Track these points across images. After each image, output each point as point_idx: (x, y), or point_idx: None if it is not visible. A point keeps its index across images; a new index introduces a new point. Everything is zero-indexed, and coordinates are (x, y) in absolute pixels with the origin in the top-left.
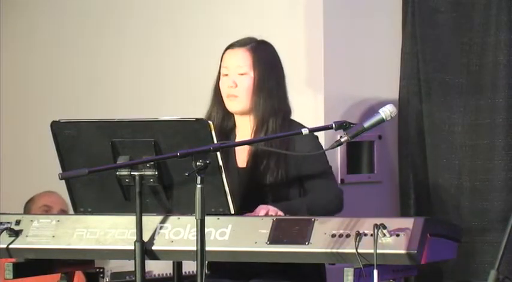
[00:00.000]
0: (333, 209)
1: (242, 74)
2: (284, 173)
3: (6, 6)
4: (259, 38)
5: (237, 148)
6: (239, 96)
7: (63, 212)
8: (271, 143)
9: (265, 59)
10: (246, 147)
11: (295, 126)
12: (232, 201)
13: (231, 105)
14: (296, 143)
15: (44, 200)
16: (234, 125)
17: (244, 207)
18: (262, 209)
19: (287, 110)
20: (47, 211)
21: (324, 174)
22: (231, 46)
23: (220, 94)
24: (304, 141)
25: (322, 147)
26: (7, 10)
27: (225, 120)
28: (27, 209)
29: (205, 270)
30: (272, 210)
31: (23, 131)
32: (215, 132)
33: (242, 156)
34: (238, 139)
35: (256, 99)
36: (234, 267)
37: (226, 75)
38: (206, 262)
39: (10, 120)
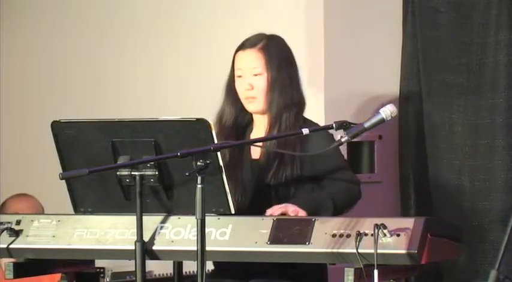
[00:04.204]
0: (355, 195)
1: (257, 75)
2: (298, 169)
3: (7, 6)
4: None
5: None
6: (257, 97)
7: None
8: (285, 140)
9: (278, 57)
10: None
11: (309, 124)
12: (232, 201)
13: (251, 107)
14: (309, 141)
15: (14, 208)
16: (251, 121)
17: (256, 200)
18: (289, 207)
19: (300, 103)
20: None
21: (340, 169)
22: (242, 47)
23: (234, 93)
24: (319, 139)
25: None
26: (7, 10)
27: (240, 117)
28: None
29: (208, 269)
30: (293, 211)
31: (23, 131)
32: (230, 130)
33: (257, 149)
34: (254, 135)
35: (270, 98)
36: (235, 267)
37: (241, 76)
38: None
39: (10, 120)
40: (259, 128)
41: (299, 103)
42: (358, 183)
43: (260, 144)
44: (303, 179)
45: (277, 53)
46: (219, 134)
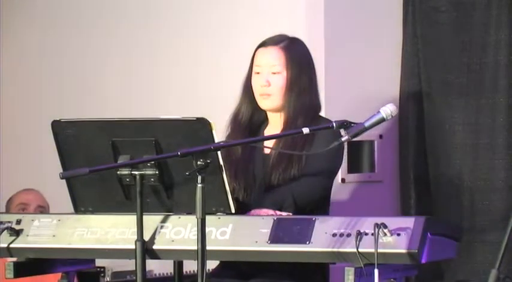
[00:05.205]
0: (317, 191)
1: (275, 73)
2: (305, 166)
3: (6, 7)
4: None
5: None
6: (272, 94)
7: (41, 208)
8: (293, 139)
9: (298, 58)
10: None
11: (323, 121)
12: (232, 200)
13: (264, 104)
14: (317, 140)
15: (20, 199)
16: (265, 120)
17: (265, 195)
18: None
19: (317, 106)
20: (23, 209)
21: (322, 170)
22: (263, 44)
23: (251, 91)
24: (326, 139)
25: (340, 147)
26: (6, 11)
27: (255, 116)
28: (6, 208)
29: (208, 268)
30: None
31: (23, 130)
32: (245, 127)
33: (269, 144)
34: (267, 132)
35: (287, 98)
36: (238, 266)
37: (259, 73)
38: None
39: (10, 120)
40: (273, 125)
41: (315, 107)
42: (327, 183)
43: (267, 142)
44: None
45: (298, 54)
46: (234, 131)
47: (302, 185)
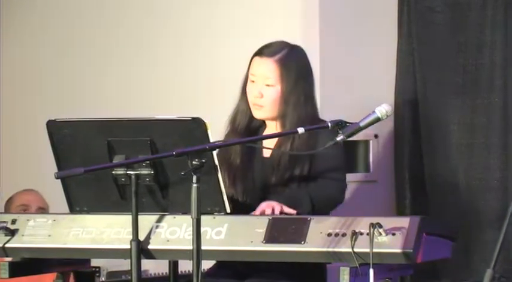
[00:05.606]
0: (334, 198)
1: (269, 85)
2: (306, 169)
3: (6, 7)
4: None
5: (264, 140)
6: (264, 106)
7: (42, 209)
8: (294, 138)
9: (294, 70)
10: (274, 139)
11: (321, 123)
12: (228, 200)
13: (256, 114)
14: (318, 142)
15: (21, 199)
16: (263, 123)
17: (264, 198)
18: (267, 207)
19: (314, 117)
20: (25, 210)
21: (332, 170)
22: (260, 53)
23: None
24: (326, 141)
25: (340, 147)
26: (6, 11)
27: (252, 119)
28: (6, 208)
29: (203, 268)
30: (276, 205)
31: (19, 130)
32: (243, 130)
33: (269, 147)
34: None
35: (282, 110)
36: (231, 267)
37: (253, 82)
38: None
39: (9, 120)
40: (271, 129)
41: (312, 117)
42: (342, 184)
43: (267, 145)
44: (309, 178)
45: (294, 67)
46: (232, 133)
47: (318, 185)
